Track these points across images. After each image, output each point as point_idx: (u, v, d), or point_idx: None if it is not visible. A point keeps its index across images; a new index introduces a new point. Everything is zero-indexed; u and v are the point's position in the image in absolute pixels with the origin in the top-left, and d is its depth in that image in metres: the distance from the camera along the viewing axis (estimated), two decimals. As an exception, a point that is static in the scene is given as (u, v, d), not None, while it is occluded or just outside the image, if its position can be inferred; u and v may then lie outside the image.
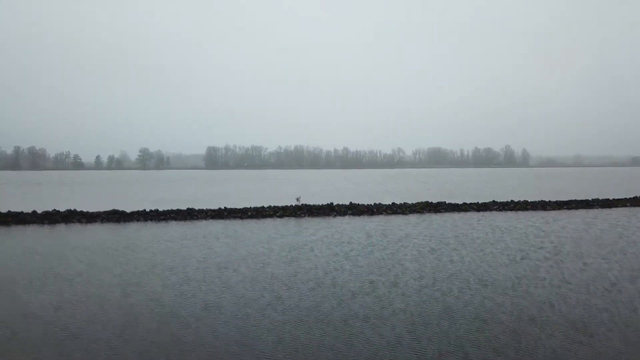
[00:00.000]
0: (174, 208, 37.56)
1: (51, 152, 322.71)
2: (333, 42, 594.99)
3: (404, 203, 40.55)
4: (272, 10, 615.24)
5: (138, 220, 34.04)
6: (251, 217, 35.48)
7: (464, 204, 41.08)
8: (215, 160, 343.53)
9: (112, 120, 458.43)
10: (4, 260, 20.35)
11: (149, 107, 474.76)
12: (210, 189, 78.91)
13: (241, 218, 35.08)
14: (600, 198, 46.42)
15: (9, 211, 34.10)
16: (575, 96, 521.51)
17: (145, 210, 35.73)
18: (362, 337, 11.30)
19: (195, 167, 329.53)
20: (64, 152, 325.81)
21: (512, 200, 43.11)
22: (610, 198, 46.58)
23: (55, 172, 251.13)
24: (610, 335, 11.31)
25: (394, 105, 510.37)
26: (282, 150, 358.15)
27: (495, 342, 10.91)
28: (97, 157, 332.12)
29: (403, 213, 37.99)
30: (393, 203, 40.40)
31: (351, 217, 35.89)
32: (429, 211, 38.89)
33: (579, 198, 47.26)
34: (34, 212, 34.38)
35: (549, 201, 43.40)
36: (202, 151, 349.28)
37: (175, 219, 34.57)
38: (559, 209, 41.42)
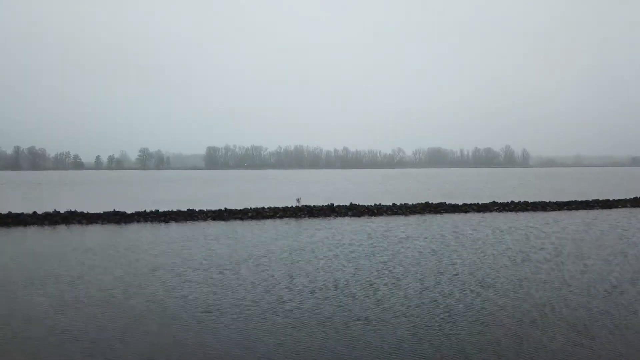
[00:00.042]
0: (175, 209, 37.58)
1: (51, 152, 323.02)
2: (333, 42, 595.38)
3: (405, 204, 40.57)
4: (272, 10, 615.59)
5: (138, 221, 34.04)
6: (251, 218, 35.49)
7: (464, 204, 41.09)
8: (215, 160, 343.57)
9: (112, 120, 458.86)
10: (5, 262, 20.35)
11: (149, 107, 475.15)
12: (210, 189, 78.91)
13: (241, 219, 35.09)
14: (601, 199, 46.42)
15: (9, 212, 34.10)
16: (575, 96, 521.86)
17: (145, 211, 35.73)
18: (364, 340, 11.30)
19: (195, 167, 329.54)
20: (64, 152, 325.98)
21: (512, 201, 43.13)
22: (611, 199, 46.59)
23: (55, 172, 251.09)
24: (611, 339, 11.31)
25: (394, 105, 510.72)
26: (282, 150, 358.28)
27: (496, 345, 10.91)
28: (97, 157, 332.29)
29: (403, 214, 38.00)
30: (393, 204, 40.41)
31: (351, 218, 35.90)
32: (430, 212, 38.89)
33: (579, 199, 47.26)
34: (35, 213, 34.37)
35: (549, 202, 43.42)
36: (202, 151, 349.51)
37: (175, 219, 34.57)
38: (559, 209, 41.44)
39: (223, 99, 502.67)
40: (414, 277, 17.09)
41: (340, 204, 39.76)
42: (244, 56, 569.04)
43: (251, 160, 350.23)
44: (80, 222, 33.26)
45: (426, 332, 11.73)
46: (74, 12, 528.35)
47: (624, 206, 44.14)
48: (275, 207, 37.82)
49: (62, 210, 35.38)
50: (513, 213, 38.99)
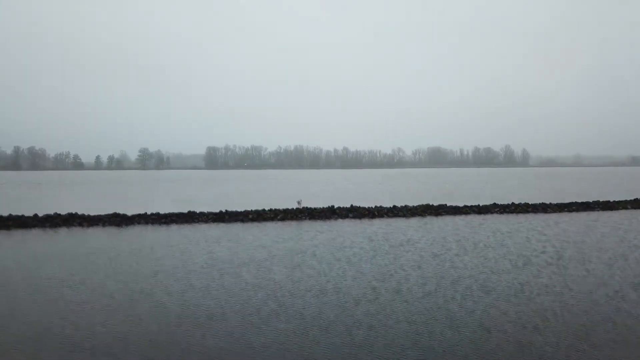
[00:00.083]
0: (175, 211, 37.58)
1: (51, 152, 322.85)
2: (333, 42, 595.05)
3: (405, 205, 40.58)
4: (272, 10, 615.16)
5: (139, 223, 34.05)
6: (252, 220, 35.50)
7: (465, 206, 41.10)
8: (215, 160, 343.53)
9: (112, 120, 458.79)
10: (7, 266, 20.36)
11: (149, 107, 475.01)
12: (211, 190, 78.91)
13: (242, 221, 35.10)
14: (601, 200, 46.42)
15: (10, 215, 34.09)
16: (575, 96, 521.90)
17: (146, 213, 35.74)
18: (367, 347, 11.31)
19: (195, 167, 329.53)
20: (64, 152, 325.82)
21: (512, 203, 43.14)
22: (611, 200, 46.60)
23: (55, 172, 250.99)
24: (613, 345, 11.33)
25: (394, 105, 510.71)
26: (282, 150, 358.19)
27: (499, 353, 10.93)
28: (97, 157, 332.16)
29: (404, 216, 38.01)
30: (394, 206, 40.42)
31: (352, 220, 35.91)
32: (430, 214, 38.91)
33: (579, 200, 47.29)
34: (35, 215, 34.36)
35: (550, 203, 43.44)
36: (202, 151, 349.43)
37: (176, 222, 34.58)
38: (559, 211, 41.46)
39: (223, 99, 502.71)
40: (416, 282, 17.11)
41: (341, 206, 39.75)
42: (244, 56, 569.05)
43: (251, 160, 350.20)
44: (81, 225, 33.26)
45: (429, 339, 11.74)
46: (74, 12, 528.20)
47: (625, 207, 44.15)
48: (275, 209, 37.83)
49: (63, 213, 35.38)
50: (514, 215, 39.01)
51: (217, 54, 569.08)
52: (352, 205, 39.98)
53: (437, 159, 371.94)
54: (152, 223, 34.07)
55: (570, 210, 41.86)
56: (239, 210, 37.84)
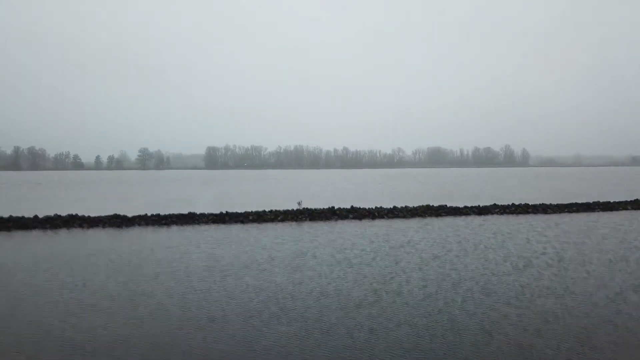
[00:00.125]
0: (175, 212, 37.58)
1: (51, 152, 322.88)
2: (333, 42, 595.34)
3: (405, 206, 40.59)
4: (272, 10, 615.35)
5: (140, 224, 34.05)
6: (252, 221, 35.51)
7: (465, 207, 41.11)
8: (215, 160, 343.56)
9: (112, 120, 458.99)
10: (8, 268, 20.37)
11: (149, 107, 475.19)
12: (211, 190, 78.91)
13: (242, 222, 35.10)
14: (601, 200, 46.45)
15: (11, 216, 34.09)
16: (575, 96, 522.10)
17: (146, 214, 35.74)
18: (369, 350, 11.33)
19: (195, 167, 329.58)
20: (64, 152, 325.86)
21: (512, 204, 43.15)
22: (611, 201, 46.62)
23: (55, 172, 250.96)
24: (614, 348, 11.34)
25: (394, 105, 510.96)
26: (282, 150, 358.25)
27: (500, 356, 10.95)
28: (97, 157, 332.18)
29: (404, 217, 38.02)
30: (394, 207, 40.42)
31: (352, 221, 35.93)
32: (430, 215, 38.91)
33: (579, 200, 47.34)
34: (36, 216, 34.37)
35: (550, 204, 43.45)
36: (202, 151, 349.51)
37: (176, 223, 34.59)
38: (560, 212, 41.47)
39: (223, 99, 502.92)
40: (417, 284, 17.12)
41: (341, 207, 39.76)
42: (244, 56, 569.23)
43: (251, 160, 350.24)
44: (81, 226, 33.28)
45: (430, 343, 11.75)
46: (74, 12, 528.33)
47: (625, 208, 44.18)
48: (276, 210, 37.83)
49: (63, 214, 35.38)
50: (514, 216, 39.02)
51: (217, 54, 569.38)
52: (352, 206, 39.98)
53: (437, 159, 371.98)
54: (153, 224, 34.08)
55: (570, 211, 41.87)
56: (239, 211, 37.85)
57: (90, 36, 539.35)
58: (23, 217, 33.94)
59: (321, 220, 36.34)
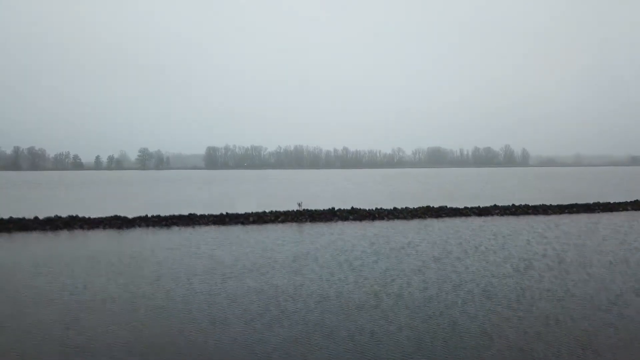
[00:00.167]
0: (176, 213, 37.58)
1: (51, 153, 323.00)
2: (333, 42, 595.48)
3: (406, 207, 40.59)
4: (272, 10, 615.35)
5: (140, 226, 34.06)
6: (253, 222, 35.51)
7: (465, 208, 41.11)
8: (215, 160, 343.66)
9: (112, 120, 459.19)
10: (9, 271, 20.37)
11: (149, 107, 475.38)
12: (211, 190, 78.92)
13: (243, 224, 35.11)
14: (601, 201, 46.48)
15: (11, 217, 34.09)
16: (575, 96, 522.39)
17: (147, 215, 35.73)
18: (370, 354, 11.33)
19: (195, 167, 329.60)
20: (64, 153, 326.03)
21: (513, 204, 43.17)
22: (611, 201, 46.63)
23: (55, 172, 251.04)
24: (615, 352, 11.35)
25: (394, 105, 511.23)
26: (281, 150, 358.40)
27: (502, 360, 10.95)
28: (97, 157, 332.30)
29: (405, 218, 38.03)
30: (394, 208, 40.43)
31: (353, 222, 35.94)
32: (431, 216, 38.91)
33: (580, 201, 47.38)
34: (36, 218, 34.37)
35: (550, 205, 43.45)
36: (202, 151, 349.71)
37: (177, 224, 34.59)
38: (560, 213, 41.49)
39: (223, 99, 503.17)
40: (418, 286, 17.12)
41: (342, 208, 39.76)
42: (244, 56, 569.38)
43: (251, 160, 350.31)
44: (81, 227, 33.28)
45: (431, 346, 11.76)
46: (74, 12, 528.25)
47: (625, 209, 44.20)
48: (276, 212, 37.84)
49: (64, 215, 35.36)
50: (514, 217, 39.03)
51: (217, 54, 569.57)
52: (352, 207, 39.99)
53: (437, 158, 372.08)
54: (153, 225, 34.08)
55: (570, 212, 41.88)
56: (239, 212, 37.85)
57: (90, 36, 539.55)
58: (23, 219, 33.94)
59: (321, 221, 36.35)
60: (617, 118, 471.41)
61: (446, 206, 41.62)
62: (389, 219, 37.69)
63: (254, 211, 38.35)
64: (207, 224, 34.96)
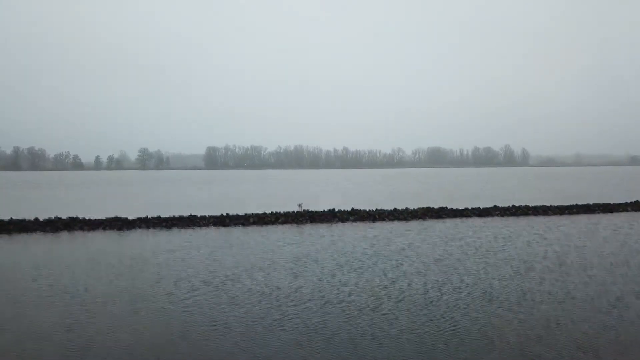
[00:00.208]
0: (176, 214, 37.57)
1: (51, 153, 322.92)
2: (333, 42, 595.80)
3: (406, 208, 40.58)
4: (272, 10, 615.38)
5: (140, 227, 34.05)
6: (253, 223, 35.51)
7: (466, 209, 41.11)
8: (215, 160, 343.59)
9: (112, 120, 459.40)
10: (10, 273, 20.37)
11: (149, 107, 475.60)
12: (211, 191, 78.92)
13: (243, 225, 35.10)
14: (602, 202, 46.50)
15: (11, 219, 34.09)
16: (575, 96, 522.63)
17: (147, 217, 35.73)
18: (371, 358, 11.34)
19: (195, 167, 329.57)
20: (64, 153, 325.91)
21: (513, 205, 43.17)
22: (611, 202, 46.63)
23: (55, 172, 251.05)
24: (616, 356, 11.35)
25: (394, 105, 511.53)
26: (281, 150, 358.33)
27: (503, 364, 10.95)
28: (97, 158, 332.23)
29: (405, 219, 38.03)
30: (395, 209, 40.43)
31: (353, 223, 35.95)
32: (431, 217, 38.92)
33: (580, 202, 47.42)
34: (36, 219, 34.36)
35: (550, 206, 43.46)
36: (201, 151, 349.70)
37: (177, 225, 34.59)
38: (560, 213, 41.49)
39: (223, 99, 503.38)
40: (419, 289, 17.13)
41: (342, 209, 39.77)
42: (244, 56, 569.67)
43: (251, 160, 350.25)
44: (82, 229, 33.28)
45: (433, 350, 11.77)
46: (74, 12, 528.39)
47: (625, 210, 44.21)
48: (277, 213, 37.84)
49: (64, 216, 35.36)
50: (514, 217, 39.03)
51: (217, 54, 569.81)
52: (352, 209, 39.99)
53: (436, 158, 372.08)
54: (154, 227, 34.08)
55: (570, 213, 41.89)
56: (239, 213, 37.85)
57: (90, 36, 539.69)
58: (24, 220, 33.95)
59: (322, 222, 36.35)
60: (617, 118, 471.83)
61: (446, 207, 41.62)
62: (389, 220, 37.70)
63: (254, 212, 38.36)
64: (207, 225, 34.96)
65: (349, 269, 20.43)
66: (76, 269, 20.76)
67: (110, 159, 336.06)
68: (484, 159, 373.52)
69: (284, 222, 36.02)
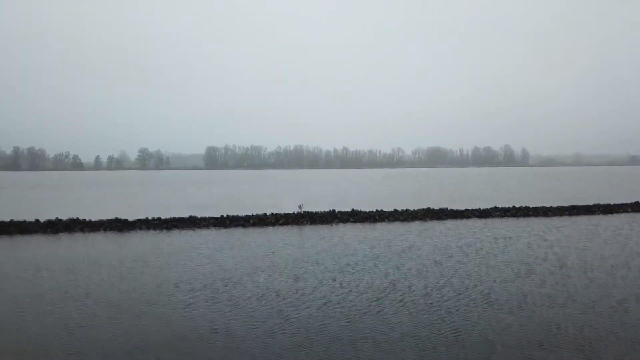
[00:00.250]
0: (176, 215, 37.61)
1: (50, 153, 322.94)
2: (333, 42, 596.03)
3: (406, 209, 40.60)
4: (272, 10, 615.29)
5: (140, 228, 34.07)
6: (254, 225, 35.52)
7: (466, 210, 41.12)
8: (215, 160, 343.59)
9: (112, 120, 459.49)
10: (11, 275, 20.38)
11: (149, 107, 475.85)
12: (211, 191, 78.92)
13: (243, 226, 35.12)
14: (602, 203, 46.54)
15: (12, 220, 34.10)
16: (575, 96, 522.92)
17: (147, 218, 35.74)
18: (372, 363, 11.35)
19: (195, 167, 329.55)
20: (64, 153, 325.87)
21: (513, 206, 43.18)
22: (612, 203, 46.67)
23: (55, 172, 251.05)
24: (618, 360, 11.37)
25: (394, 105, 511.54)
26: (281, 150, 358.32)
27: (504, 369, 10.97)
28: (97, 158, 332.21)
29: (405, 220, 38.05)
30: (395, 210, 40.45)
31: (354, 224, 35.96)
32: (431, 218, 38.94)
33: (580, 202, 47.46)
34: (37, 221, 34.38)
35: (551, 207, 43.47)
36: (201, 151, 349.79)
37: (177, 227, 34.61)
38: (560, 215, 41.51)
39: (223, 99, 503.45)
40: (419, 292, 17.14)
41: (342, 210, 39.79)
42: (244, 56, 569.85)
43: (251, 160, 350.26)
44: (82, 230, 33.30)
45: (434, 354, 11.78)
46: (74, 12, 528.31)
47: (625, 211, 44.23)
48: (277, 214, 37.85)
49: (64, 218, 35.38)
50: (514, 219, 39.05)
51: (217, 54, 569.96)
52: (353, 210, 40.00)
53: (436, 158, 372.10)
54: (154, 228, 34.10)
55: (571, 214, 41.92)
56: (240, 214, 37.85)
57: (90, 36, 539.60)
58: (24, 221, 33.96)
59: (322, 223, 36.37)
60: (617, 118, 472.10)
61: (447, 208, 41.64)
62: (389, 221, 37.71)
63: (255, 213, 38.36)
64: (207, 226, 34.97)
65: (349, 271, 20.45)
66: (77, 272, 20.76)
67: (110, 159, 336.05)
68: (484, 158, 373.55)
69: (284, 224, 36.03)
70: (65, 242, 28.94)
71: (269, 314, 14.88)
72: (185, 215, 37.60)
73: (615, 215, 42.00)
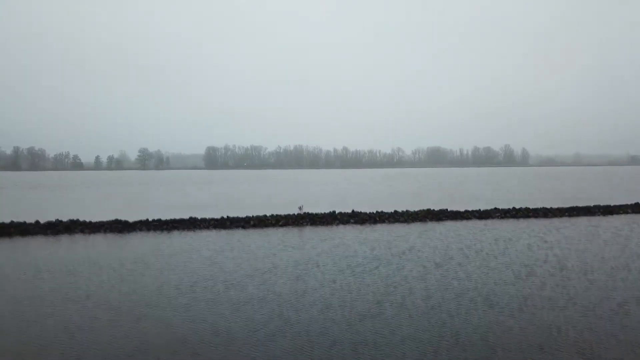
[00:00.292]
0: (177, 216, 37.61)
1: (50, 153, 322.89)
2: (333, 42, 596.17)
3: (406, 211, 40.61)
4: (272, 10, 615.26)
5: (141, 230, 34.07)
6: (254, 226, 35.53)
7: (466, 211, 41.12)
8: (214, 160, 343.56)
9: (112, 120, 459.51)
10: (11, 278, 20.37)
11: (149, 107, 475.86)
12: (211, 191, 78.90)
13: (244, 227, 35.12)
14: (602, 204, 46.56)
15: (12, 221, 34.09)
16: (575, 96, 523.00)
17: (147, 219, 35.74)
18: (373, 366, 11.35)
19: (195, 167, 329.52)
20: (64, 153, 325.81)
21: (513, 207, 43.17)
22: (612, 204, 46.68)
23: (55, 172, 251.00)
24: (619, 364, 11.38)
25: (394, 105, 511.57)
26: (281, 150, 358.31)
27: (505, 373, 10.97)
28: (97, 158, 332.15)
29: (405, 221, 38.05)
30: (395, 211, 40.45)
31: (354, 225, 35.97)
32: (431, 219, 38.95)
33: (580, 203, 47.47)
34: (37, 222, 34.37)
35: (551, 208, 43.47)
36: (201, 151, 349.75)
37: (178, 228, 34.61)
38: (561, 216, 41.51)
39: (223, 99, 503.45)
40: (420, 295, 17.14)
41: (342, 211, 39.79)
42: (244, 56, 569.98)
43: (251, 160, 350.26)
44: (82, 232, 33.29)
45: (434, 358, 11.78)
46: (74, 12, 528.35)
47: (625, 212, 44.24)
48: (277, 215, 37.84)
49: (64, 219, 35.38)
50: (514, 220, 39.06)
51: (217, 54, 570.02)
52: (353, 211, 40.00)
53: (436, 158, 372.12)
54: (154, 230, 34.10)
55: (571, 215, 41.92)
56: (240, 216, 37.84)
57: (90, 36, 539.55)
58: (24, 223, 33.94)
59: (322, 225, 36.37)
60: (617, 118, 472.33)
61: (447, 209, 41.65)
62: (389, 222, 37.72)
63: (255, 214, 38.34)
64: (207, 227, 34.97)
65: (350, 273, 20.45)
66: (77, 274, 20.76)
67: (110, 159, 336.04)
68: (483, 158, 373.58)
69: (284, 225, 36.03)
70: (66, 244, 28.95)
71: (270, 316, 14.89)
72: (186, 216, 37.61)
73: (615, 216, 42.01)
